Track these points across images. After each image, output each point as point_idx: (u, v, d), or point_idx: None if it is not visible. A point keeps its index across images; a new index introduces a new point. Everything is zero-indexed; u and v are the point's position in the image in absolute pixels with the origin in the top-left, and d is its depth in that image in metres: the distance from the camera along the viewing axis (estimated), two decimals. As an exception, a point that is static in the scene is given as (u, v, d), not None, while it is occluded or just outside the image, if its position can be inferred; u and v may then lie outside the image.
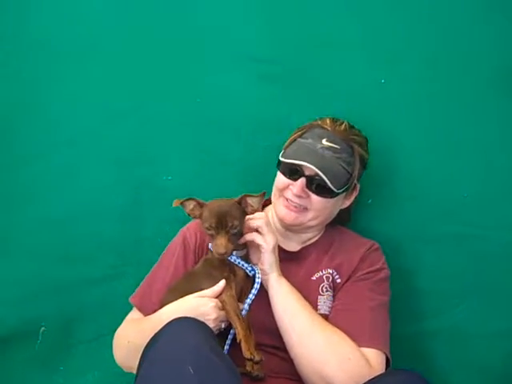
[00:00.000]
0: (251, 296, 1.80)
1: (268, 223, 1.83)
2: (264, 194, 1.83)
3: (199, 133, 2.20)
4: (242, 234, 1.80)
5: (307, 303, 1.82)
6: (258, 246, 1.82)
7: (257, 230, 1.81)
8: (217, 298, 1.76)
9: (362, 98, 2.11)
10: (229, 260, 1.81)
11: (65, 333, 2.23)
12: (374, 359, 1.75)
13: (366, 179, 2.03)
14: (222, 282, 1.77)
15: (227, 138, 2.19)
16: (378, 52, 2.11)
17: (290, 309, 1.80)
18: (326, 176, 1.83)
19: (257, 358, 1.68)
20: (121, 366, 1.93)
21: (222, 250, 1.73)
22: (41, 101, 2.22)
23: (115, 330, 1.95)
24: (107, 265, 2.23)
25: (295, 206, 1.88)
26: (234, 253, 1.81)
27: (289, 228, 1.95)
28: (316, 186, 1.86)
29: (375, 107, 2.11)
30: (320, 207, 1.89)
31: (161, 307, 1.81)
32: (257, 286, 1.81)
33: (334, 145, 1.88)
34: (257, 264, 1.84)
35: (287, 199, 1.89)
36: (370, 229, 2.10)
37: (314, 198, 1.87)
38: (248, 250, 1.86)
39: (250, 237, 1.81)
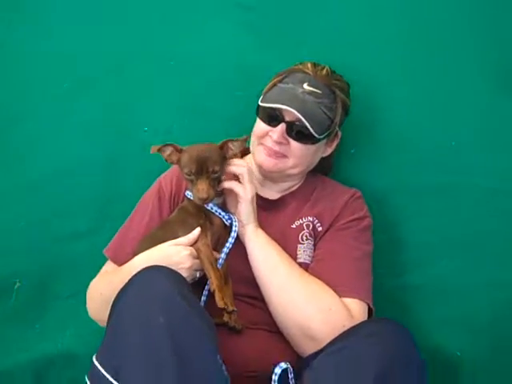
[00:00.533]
0: (228, 245, 1.74)
1: (250, 172, 1.77)
2: (246, 138, 1.78)
3: (176, 83, 2.14)
4: (221, 180, 1.75)
5: (285, 254, 1.78)
6: (235, 195, 1.77)
7: (236, 178, 1.76)
8: (192, 246, 1.70)
9: (343, 43, 2.05)
10: (205, 208, 1.75)
11: (41, 289, 2.18)
12: (357, 309, 1.71)
13: (348, 128, 1.97)
14: (197, 230, 1.72)
15: (204, 86, 2.12)
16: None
17: (267, 261, 1.75)
18: (307, 121, 1.76)
19: (230, 307, 1.63)
20: (95, 319, 1.89)
21: (204, 195, 1.67)
22: (18, 65, 2.16)
23: (91, 285, 1.91)
24: (83, 220, 2.17)
25: (275, 153, 1.81)
26: None
27: (268, 176, 1.89)
28: (296, 132, 1.79)
29: (358, 53, 2.04)
30: (300, 154, 1.82)
31: (134, 257, 1.76)
32: (233, 234, 1.75)
33: (315, 89, 1.81)
34: (234, 213, 1.79)
35: (267, 146, 1.82)
36: (353, 179, 2.04)
37: (294, 144, 1.81)
38: (225, 198, 1.80)
39: (228, 184, 1.76)
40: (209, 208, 1.76)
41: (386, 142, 2.05)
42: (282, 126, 1.79)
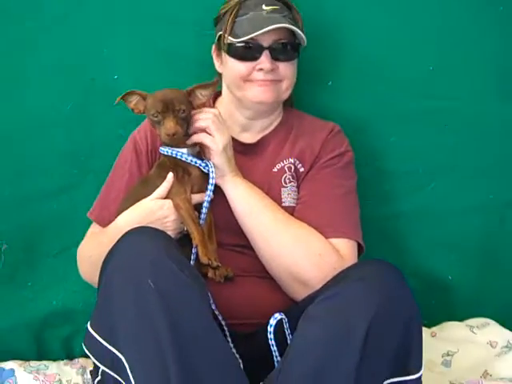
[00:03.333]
0: (207, 196, 1.70)
1: (216, 121, 1.71)
2: (216, 82, 1.73)
3: (143, 26, 2.05)
4: (188, 123, 1.70)
5: (269, 200, 1.75)
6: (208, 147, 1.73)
7: (205, 131, 1.71)
8: (169, 199, 1.70)
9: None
10: (180, 159, 1.72)
11: (28, 249, 2.14)
12: (346, 249, 1.71)
13: (324, 60, 1.94)
14: (170, 176, 1.70)
15: (172, 28, 2.04)
16: None
17: (249, 210, 1.73)
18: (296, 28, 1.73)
19: (214, 263, 1.63)
20: (88, 281, 1.88)
21: (171, 131, 1.63)
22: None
23: (79, 242, 1.89)
24: (64, 175, 2.11)
25: (270, 82, 1.77)
26: (186, 151, 1.72)
27: (261, 110, 1.83)
28: (280, 51, 1.76)
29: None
30: (291, 73, 1.80)
31: (118, 216, 1.74)
32: (212, 181, 1.70)
33: (275, 6, 1.77)
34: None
35: (258, 80, 1.77)
36: (333, 112, 2.00)
37: (283, 65, 1.77)
38: (201, 147, 1.76)
39: (197, 138, 1.72)
40: (183, 159, 1.72)
41: (362, 72, 2.01)
42: (266, 53, 1.74)
